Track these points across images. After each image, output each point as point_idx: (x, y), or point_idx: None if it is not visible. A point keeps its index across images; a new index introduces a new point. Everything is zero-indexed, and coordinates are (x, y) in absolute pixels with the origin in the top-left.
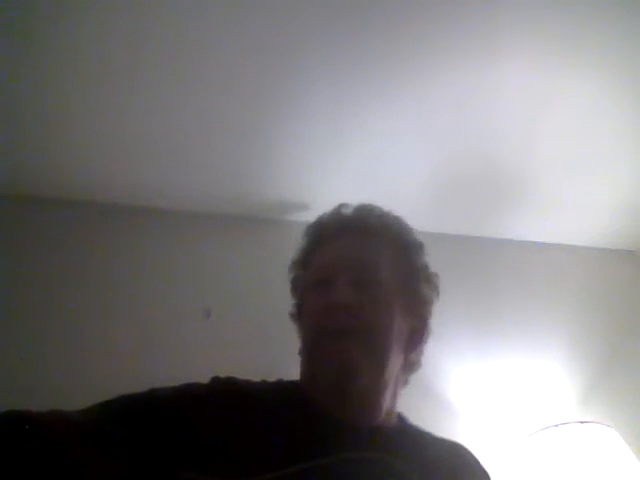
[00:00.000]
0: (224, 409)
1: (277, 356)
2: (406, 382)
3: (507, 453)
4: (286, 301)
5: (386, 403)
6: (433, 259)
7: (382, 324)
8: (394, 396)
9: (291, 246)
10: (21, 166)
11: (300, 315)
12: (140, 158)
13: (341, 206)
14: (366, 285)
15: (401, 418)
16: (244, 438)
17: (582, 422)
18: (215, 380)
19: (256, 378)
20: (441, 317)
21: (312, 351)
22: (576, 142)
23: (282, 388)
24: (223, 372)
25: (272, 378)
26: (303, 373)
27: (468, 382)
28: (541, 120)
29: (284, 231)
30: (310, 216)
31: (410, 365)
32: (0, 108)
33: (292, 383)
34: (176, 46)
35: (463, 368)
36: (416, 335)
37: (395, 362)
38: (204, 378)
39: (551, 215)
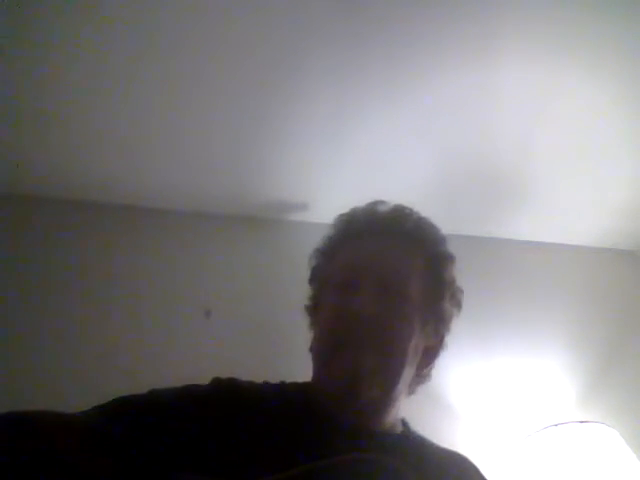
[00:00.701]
0: (225, 410)
1: (277, 356)
2: (412, 392)
3: (507, 453)
4: (286, 301)
5: (392, 415)
6: None
7: (401, 340)
8: (399, 407)
9: (291, 246)
10: (21, 166)
11: (316, 309)
12: (140, 158)
13: (378, 203)
14: (391, 296)
15: (405, 425)
16: (245, 440)
17: (582, 422)
18: (216, 381)
19: (256, 378)
20: None
21: (326, 355)
22: (576, 142)
23: (285, 390)
24: (223, 372)
25: (273, 377)
26: (314, 374)
27: (468, 382)
28: (541, 120)
29: (284, 231)
30: (310, 216)
31: (420, 378)
32: (0, 108)
33: (295, 385)
34: (176, 46)
35: (463, 368)
36: (431, 352)
37: (407, 377)
38: (204, 378)
39: (551, 215)
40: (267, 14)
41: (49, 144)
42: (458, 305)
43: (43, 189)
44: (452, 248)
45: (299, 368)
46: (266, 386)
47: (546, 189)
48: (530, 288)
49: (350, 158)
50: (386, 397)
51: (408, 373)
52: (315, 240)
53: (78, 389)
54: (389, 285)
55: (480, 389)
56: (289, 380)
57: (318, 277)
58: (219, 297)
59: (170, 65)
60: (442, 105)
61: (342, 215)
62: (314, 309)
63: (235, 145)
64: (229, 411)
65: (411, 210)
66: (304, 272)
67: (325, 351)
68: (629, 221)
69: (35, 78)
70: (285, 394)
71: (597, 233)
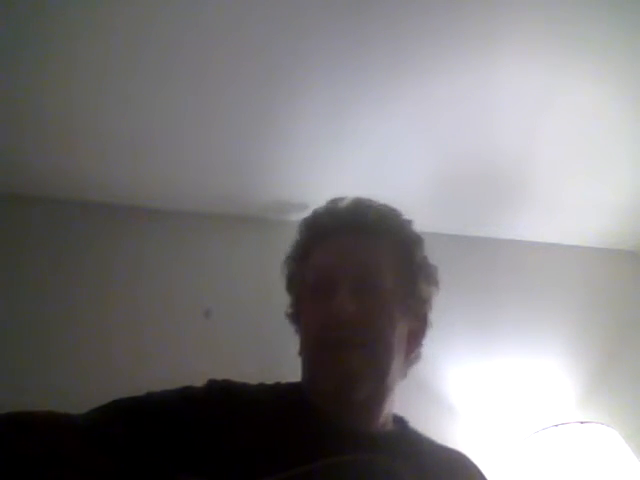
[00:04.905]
0: (221, 412)
1: (277, 356)
2: (405, 375)
3: (507, 453)
4: (286, 302)
5: (386, 410)
6: (433, 259)
7: (384, 334)
8: (393, 400)
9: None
10: (21, 166)
11: (297, 316)
12: (140, 158)
13: (336, 200)
14: (368, 292)
15: (402, 422)
16: (241, 441)
17: (582, 422)
18: (212, 383)
19: (256, 379)
20: (440, 317)
21: (313, 360)
22: (576, 142)
23: (280, 391)
24: (223, 372)
25: (272, 378)
26: (304, 377)
27: (468, 382)
28: (541, 120)
29: (284, 231)
30: None
31: (410, 362)
32: (0, 108)
33: (291, 385)
34: (176, 46)
35: (463, 368)
36: (416, 335)
37: (396, 368)
38: (204, 378)
39: (551, 215)
40: (267, 13)
41: (49, 144)
42: (435, 283)
43: (43, 189)
44: (453, 248)
45: (298, 368)
46: (261, 387)
47: (546, 189)
48: (530, 288)
49: (350, 158)
50: (377, 393)
51: (397, 363)
52: None
53: (77, 389)
54: (362, 281)
55: (480, 389)
56: (288, 380)
57: (294, 284)
58: (219, 297)
59: (170, 65)
60: (442, 105)
61: (305, 220)
62: (296, 315)
63: (235, 145)
64: (225, 412)
65: (370, 201)
66: None
67: (312, 356)
68: (629, 221)
69: (35, 78)
70: (281, 395)
71: (597, 233)
